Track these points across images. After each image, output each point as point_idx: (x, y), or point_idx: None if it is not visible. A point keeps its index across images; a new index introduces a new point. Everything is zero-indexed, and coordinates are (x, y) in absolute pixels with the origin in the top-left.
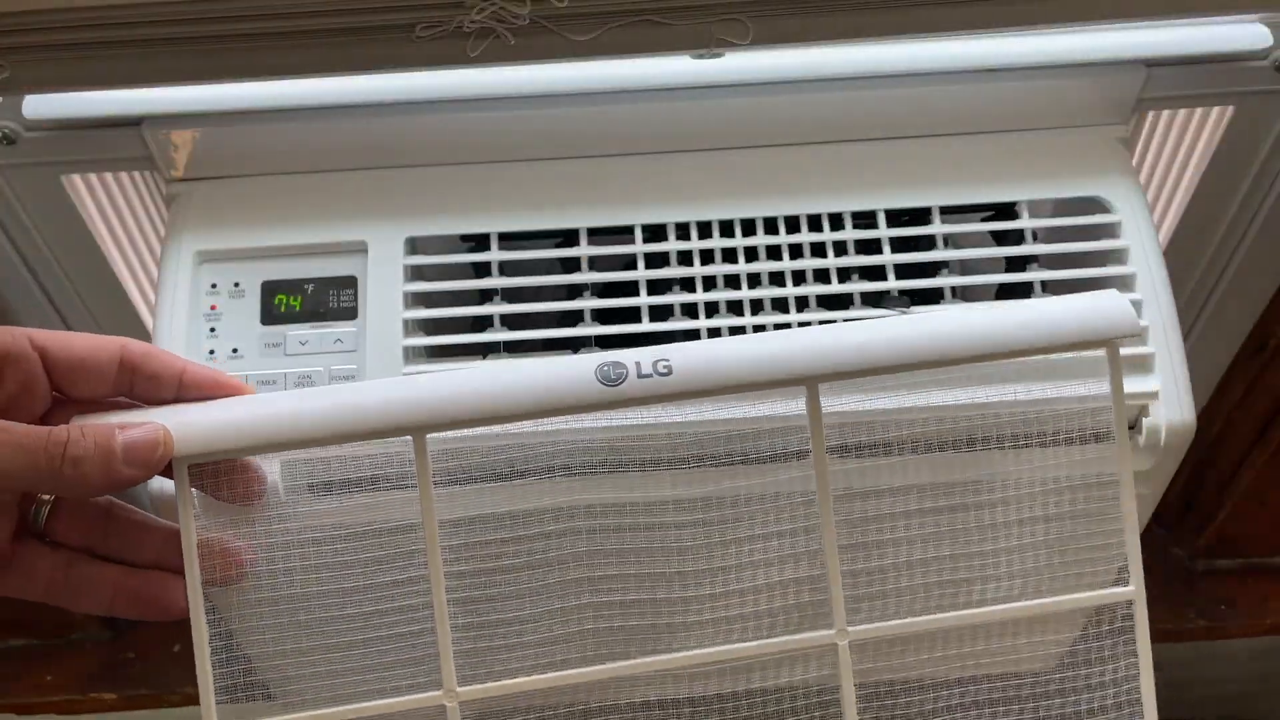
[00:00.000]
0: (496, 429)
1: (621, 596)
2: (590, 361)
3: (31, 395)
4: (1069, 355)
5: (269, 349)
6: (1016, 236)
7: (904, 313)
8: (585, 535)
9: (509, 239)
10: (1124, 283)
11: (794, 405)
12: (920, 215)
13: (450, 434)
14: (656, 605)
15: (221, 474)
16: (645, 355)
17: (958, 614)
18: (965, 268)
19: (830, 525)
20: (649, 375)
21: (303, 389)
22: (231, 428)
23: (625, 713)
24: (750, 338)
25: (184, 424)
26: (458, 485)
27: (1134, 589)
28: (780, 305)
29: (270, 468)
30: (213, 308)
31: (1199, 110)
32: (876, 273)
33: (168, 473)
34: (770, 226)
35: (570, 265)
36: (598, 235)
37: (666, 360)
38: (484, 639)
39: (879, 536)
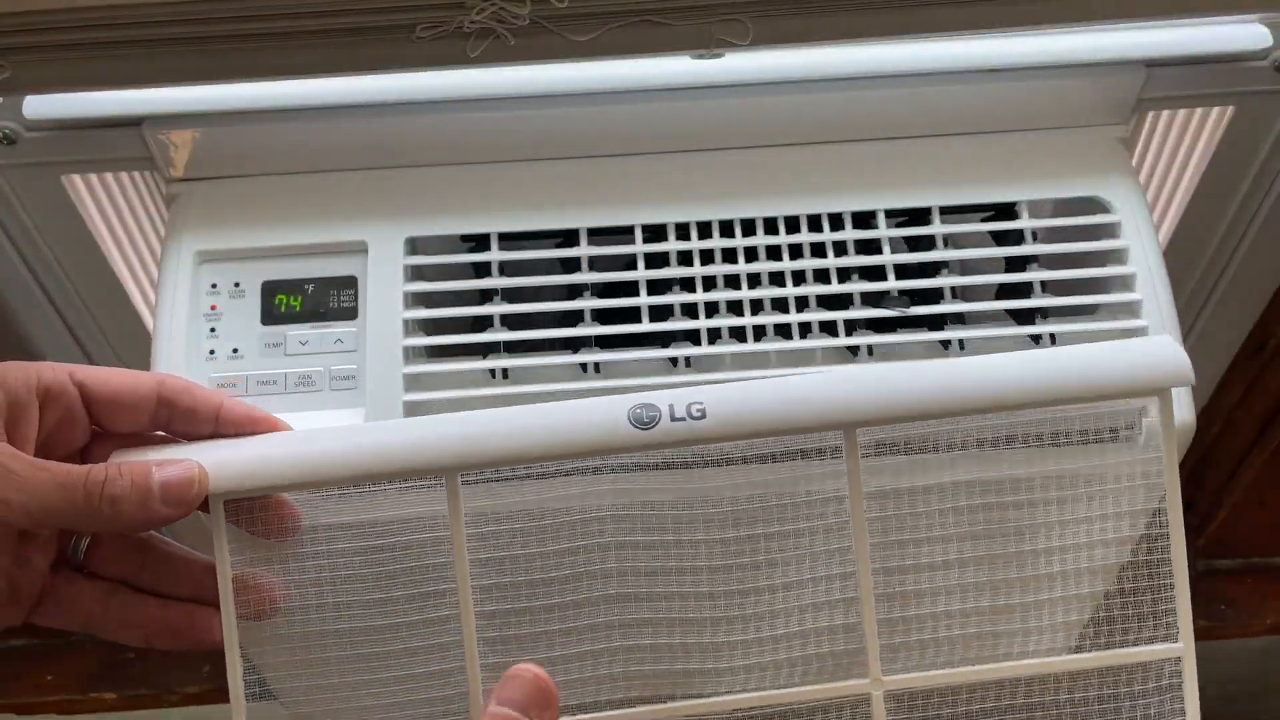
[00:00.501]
0: (531, 495)
1: (652, 640)
2: (623, 404)
3: (71, 430)
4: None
5: (269, 349)
6: (1016, 236)
7: (903, 313)
8: (616, 578)
9: (509, 239)
10: (1124, 283)
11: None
12: (920, 215)
13: (483, 486)
14: (688, 650)
15: (257, 510)
16: (680, 399)
17: (996, 665)
18: (965, 268)
19: (867, 572)
20: (682, 419)
21: (338, 427)
22: (266, 465)
23: None
24: (786, 380)
25: (220, 461)
26: (489, 527)
27: (1182, 645)
28: (780, 305)
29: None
30: (213, 308)
31: (1199, 110)
32: (876, 273)
33: (204, 508)
34: (770, 226)
35: (570, 265)
36: (598, 235)
37: (700, 404)
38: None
39: (917, 586)
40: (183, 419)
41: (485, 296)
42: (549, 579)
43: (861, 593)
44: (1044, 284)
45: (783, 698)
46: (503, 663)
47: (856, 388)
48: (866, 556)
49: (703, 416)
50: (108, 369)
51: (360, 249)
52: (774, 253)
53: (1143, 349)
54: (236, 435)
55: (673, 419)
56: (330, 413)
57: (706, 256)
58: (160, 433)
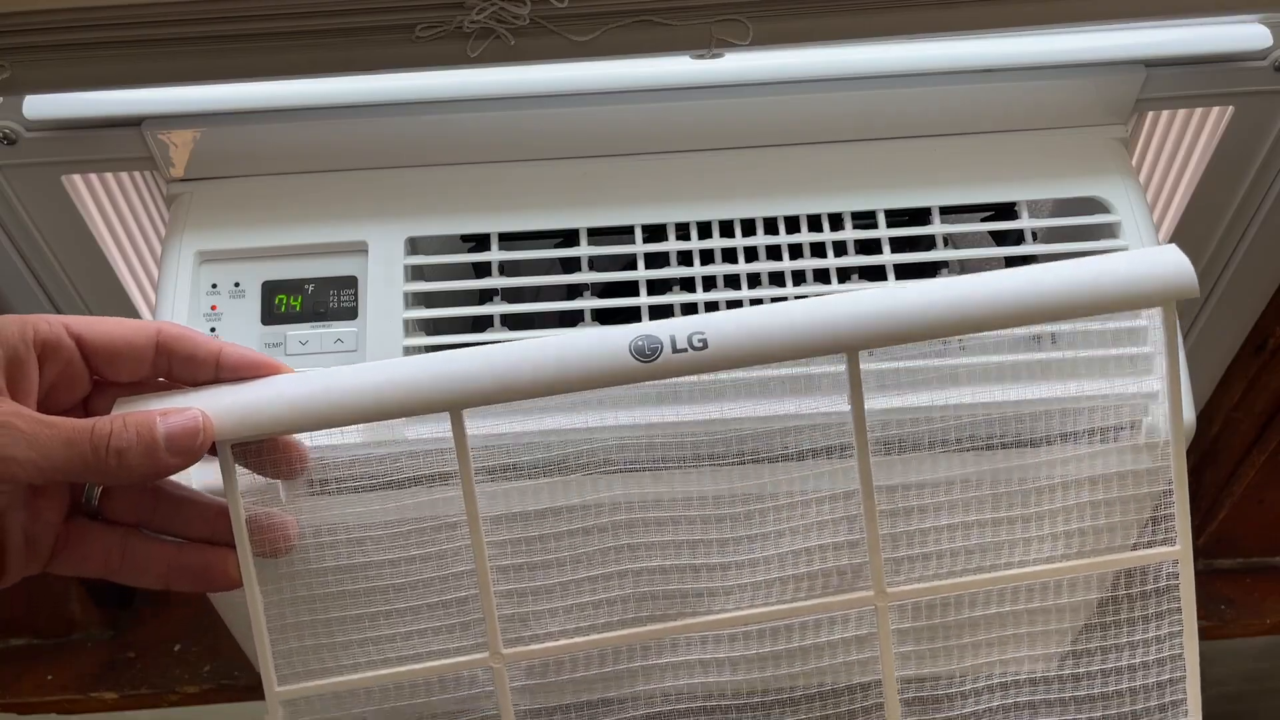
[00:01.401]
0: (535, 428)
1: (661, 562)
2: (625, 336)
3: (71, 382)
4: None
5: (269, 349)
6: (1016, 236)
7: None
8: (624, 504)
9: (509, 239)
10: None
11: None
12: (920, 215)
13: (490, 432)
14: (696, 570)
15: (265, 452)
16: (680, 328)
17: (997, 574)
18: (965, 268)
19: (870, 488)
20: (684, 350)
21: (340, 367)
22: (270, 408)
23: (667, 672)
24: (787, 305)
25: (224, 407)
26: (500, 481)
27: (1180, 548)
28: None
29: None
30: (213, 308)
31: (1199, 110)
32: (876, 273)
33: (212, 453)
34: (770, 226)
35: (570, 265)
36: (598, 235)
37: (702, 334)
38: (526, 604)
39: (919, 501)
40: (183, 366)
41: (485, 296)
42: (557, 509)
43: (865, 507)
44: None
45: (788, 611)
46: (516, 589)
47: (858, 310)
48: (869, 474)
49: (704, 346)
50: (104, 319)
51: (360, 249)
52: (774, 252)
53: (1147, 259)
54: (238, 380)
55: (674, 350)
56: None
57: (706, 256)
58: (162, 379)
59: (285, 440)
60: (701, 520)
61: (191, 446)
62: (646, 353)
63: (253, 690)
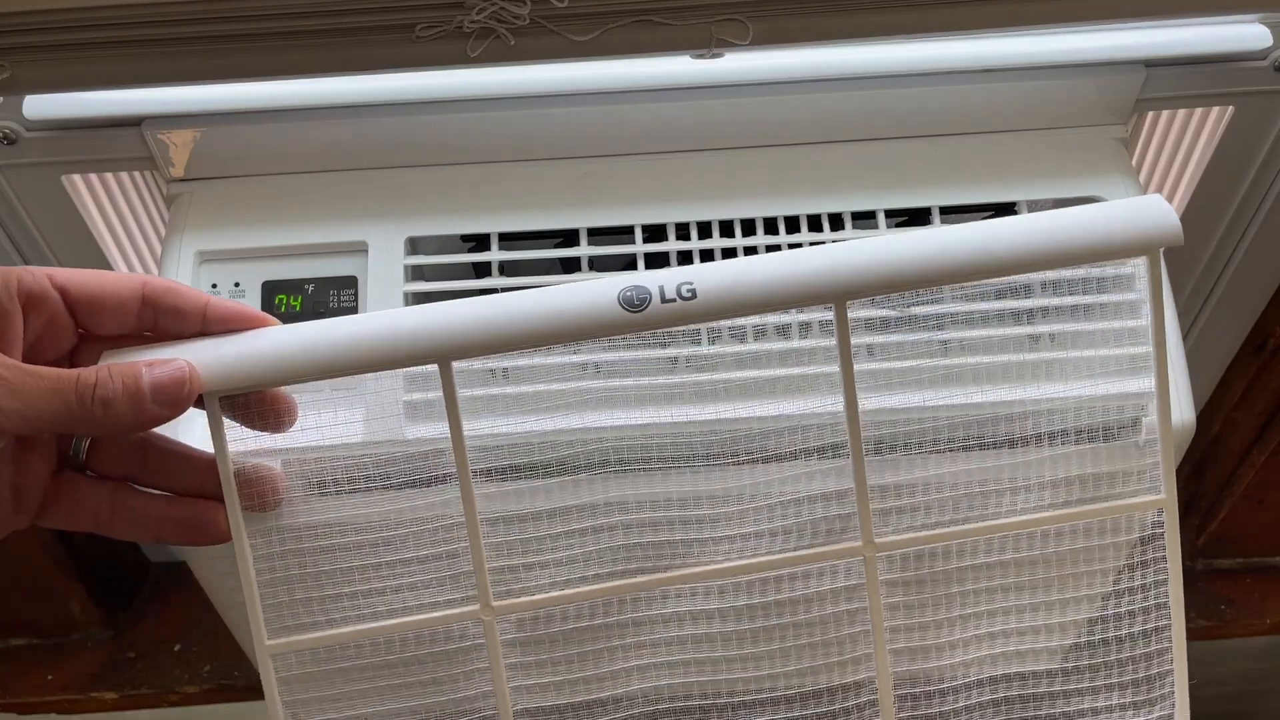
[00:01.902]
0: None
1: (651, 514)
2: (613, 286)
3: (56, 334)
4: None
5: None
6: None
7: (903, 313)
8: (615, 460)
9: (509, 239)
10: (1123, 283)
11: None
12: (920, 215)
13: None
14: (686, 522)
15: (252, 404)
16: (669, 279)
17: (985, 523)
18: None
19: (858, 440)
20: (673, 300)
21: (328, 319)
22: (258, 360)
23: (657, 624)
24: (775, 256)
25: (212, 359)
26: (483, 420)
27: (1165, 496)
28: None
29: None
30: None
31: (1199, 110)
32: None
33: (200, 405)
34: (770, 226)
35: (570, 265)
36: (598, 235)
37: (691, 284)
38: (515, 556)
39: (907, 454)
40: (169, 318)
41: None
42: (547, 461)
43: (854, 459)
44: (1043, 284)
45: (777, 562)
46: (505, 541)
47: (846, 259)
48: (858, 425)
49: (693, 296)
50: (89, 270)
51: (360, 249)
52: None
53: (1131, 209)
54: (226, 333)
55: (663, 300)
56: (330, 413)
57: (706, 256)
58: (149, 334)
59: (274, 393)
60: (691, 472)
61: (178, 397)
62: (635, 303)
63: (253, 690)
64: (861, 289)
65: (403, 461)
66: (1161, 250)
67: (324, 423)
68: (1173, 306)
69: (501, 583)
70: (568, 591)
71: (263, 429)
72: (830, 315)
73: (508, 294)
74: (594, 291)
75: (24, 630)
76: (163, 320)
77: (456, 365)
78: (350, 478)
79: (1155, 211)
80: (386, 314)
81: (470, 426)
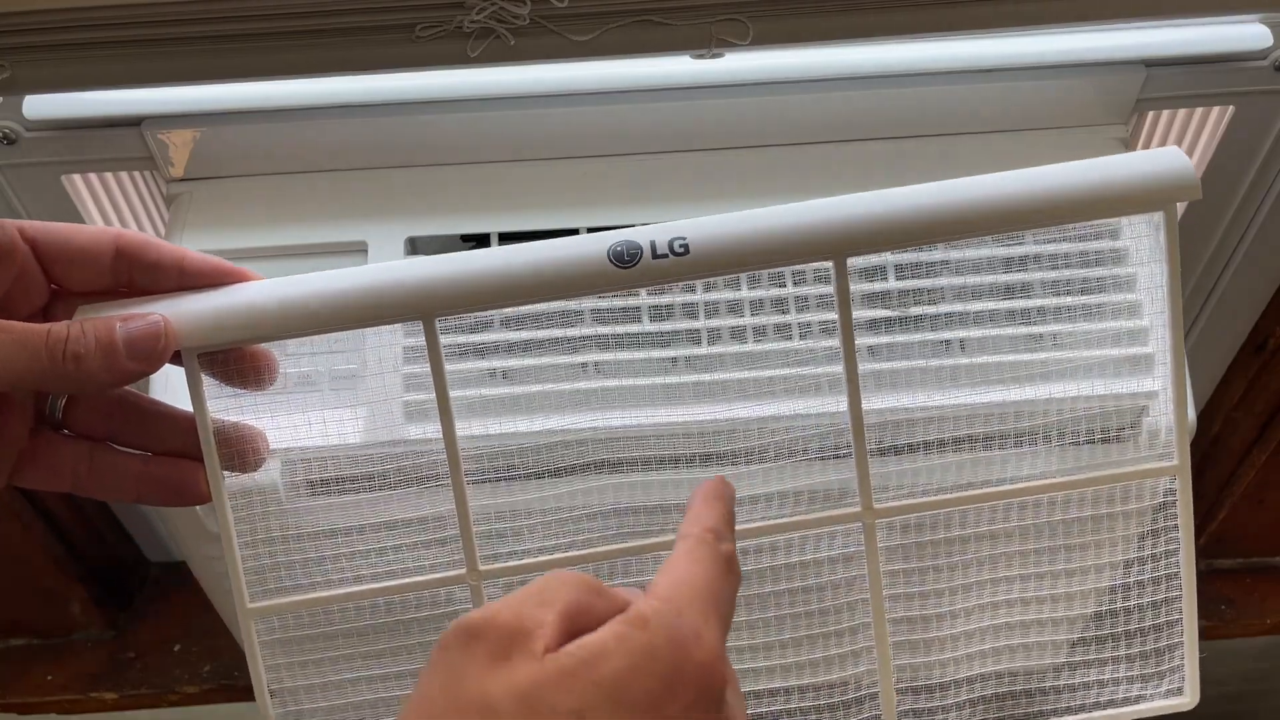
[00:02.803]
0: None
1: (643, 477)
2: (604, 242)
3: (27, 288)
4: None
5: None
6: (1015, 236)
7: (903, 313)
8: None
9: (509, 239)
10: (1124, 284)
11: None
12: None
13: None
14: (679, 484)
15: (232, 362)
16: (661, 234)
17: (987, 490)
18: (965, 268)
19: (858, 403)
20: (665, 255)
21: (308, 275)
22: (237, 315)
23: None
24: (771, 210)
25: (189, 314)
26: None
27: (1178, 463)
28: (780, 305)
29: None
30: None
31: (1199, 110)
32: (876, 273)
33: (178, 362)
34: None
35: None
36: None
37: (684, 239)
38: (504, 520)
39: (909, 417)
40: (144, 274)
41: None
42: (541, 463)
43: (852, 423)
44: (1043, 284)
45: (775, 527)
46: (491, 505)
47: (846, 213)
48: (858, 388)
49: (686, 252)
50: (62, 224)
51: (360, 249)
52: None
53: (1147, 161)
54: (204, 289)
55: (654, 256)
56: (330, 412)
57: None
58: (123, 289)
59: (254, 349)
60: (685, 434)
61: (153, 351)
62: (626, 258)
63: (253, 691)
64: (862, 243)
65: (399, 446)
66: (1178, 206)
67: (310, 387)
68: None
69: (489, 546)
70: (557, 556)
71: (242, 386)
72: (833, 316)
73: (495, 249)
74: (584, 246)
75: (24, 630)
76: (138, 275)
77: (452, 367)
78: (339, 453)
79: (1173, 163)
80: (366, 269)
81: (466, 427)
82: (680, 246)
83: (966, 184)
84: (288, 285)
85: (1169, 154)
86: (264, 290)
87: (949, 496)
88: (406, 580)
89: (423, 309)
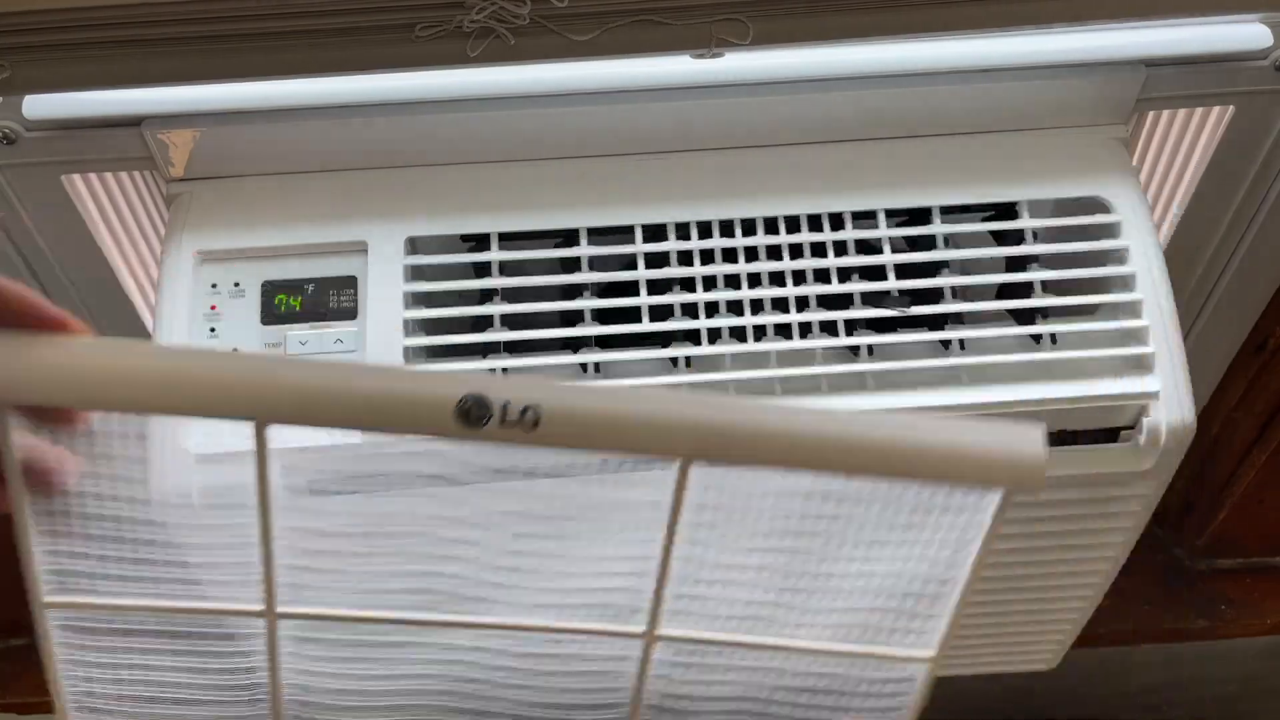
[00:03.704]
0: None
1: (458, 570)
2: (456, 388)
3: None
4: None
5: (269, 349)
6: (1016, 236)
7: (904, 313)
8: (423, 519)
9: (509, 239)
10: (1124, 282)
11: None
12: (920, 215)
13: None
14: (486, 584)
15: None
16: (517, 395)
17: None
18: (965, 268)
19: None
20: (514, 422)
21: (134, 342)
22: (53, 376)
23: (439, 649)
24: (632, 392)
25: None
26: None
27: (933, 654)
28: (780, 305)
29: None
30: (213, 308)
31: (1199, 110)
32: (876, 273)
33: None
34: (770, 226)
35: (570, 265)
36: (598, 235)
37: (537, 408)
38: (309, 577)
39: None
40: None
41: (485, 296)
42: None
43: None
44: (1044, 284)
45: (560, 626)
46: (300, 564)
47: (701, 415)
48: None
49: (536, 424)
50: None
51: (360, 249)
52: (774, 252)
53: (1003, 438)
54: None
55: (502, 421)
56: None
57: (706, 256)
58: None
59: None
60: (499, 550)
61: None
62: (472, 419)
63: None
64: (708, 453)
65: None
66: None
67: None
68: (1173, 307)
69: (291, 593)
70: (353, 612)
71: (53, 426)
72: (833, 316)
73: (337, 363)
74: (436, 388)
75: (24, 630)
76: None
77: (454, 365)
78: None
79: (1025, 450)
80: (201, 352)
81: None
82: (532, 416)
83: (833, 418)
84: (107, 350)
85: (1029, 436)
86: (82, 350)
87: (727, 637)
88: (204, 605)
89: (253, 414)
